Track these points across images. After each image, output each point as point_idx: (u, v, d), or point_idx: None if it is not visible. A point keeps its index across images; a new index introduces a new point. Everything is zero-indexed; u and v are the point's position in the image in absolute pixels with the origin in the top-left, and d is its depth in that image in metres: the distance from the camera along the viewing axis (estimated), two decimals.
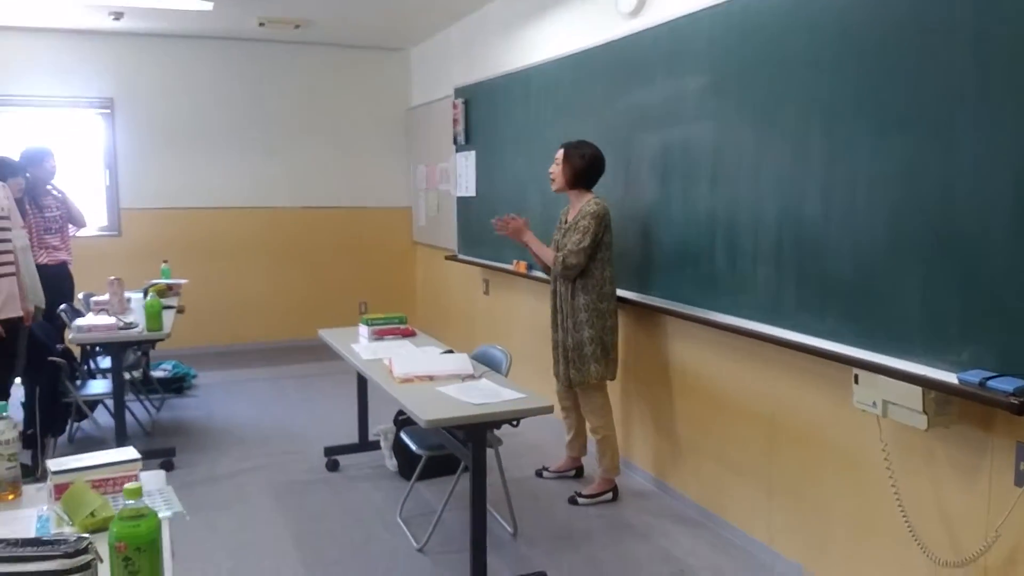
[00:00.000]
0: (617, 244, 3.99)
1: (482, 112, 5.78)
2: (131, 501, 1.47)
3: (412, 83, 7.82)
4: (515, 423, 2.91)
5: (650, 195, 3.85)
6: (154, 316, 4.31)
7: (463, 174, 6.10)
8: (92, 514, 1.80)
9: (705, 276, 3.45)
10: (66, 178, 5.91)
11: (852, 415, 2.77)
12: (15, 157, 5.23)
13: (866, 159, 2.59)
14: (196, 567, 3.31)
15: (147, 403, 5.57)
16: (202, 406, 5.74)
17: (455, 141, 6.14)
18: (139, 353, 5.53)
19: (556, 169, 3.83)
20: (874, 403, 2.50)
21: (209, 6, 5.67)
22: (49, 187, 5.54)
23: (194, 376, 6.39)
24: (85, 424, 4.85)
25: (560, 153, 3.82)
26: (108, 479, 1.98)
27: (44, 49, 6.76)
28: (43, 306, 4.60)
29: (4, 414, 1.97)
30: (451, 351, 3.66)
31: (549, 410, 2.88)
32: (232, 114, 7.34)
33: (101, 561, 1.50)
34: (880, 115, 2.53)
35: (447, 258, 6.45)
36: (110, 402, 4.58)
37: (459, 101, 6.02)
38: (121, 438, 4.31)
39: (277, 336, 7.56)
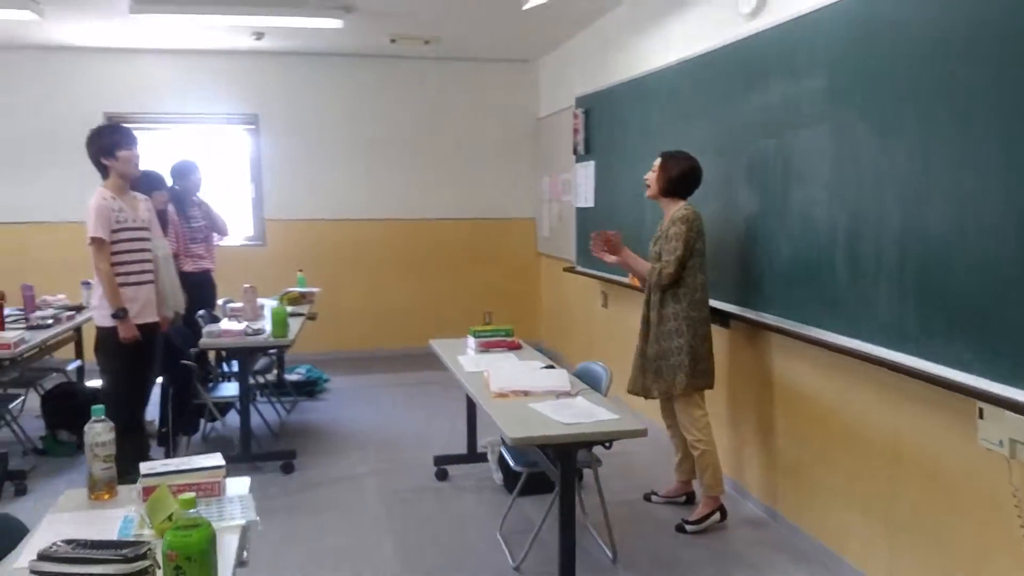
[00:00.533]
0: (725, 255, 3.81)
1: (601, 121, 5.70)
2: (186, 511, 1.51)
3: (540, 94, 7.84)
4: (607, 445, 2.81)
5: (764, 204, 3.65)
6: (279, 323, 4.51)
7: (582, 184, 6.03)
8: (169, 518, 1.87)
9: (821, 294, 3.22)
10: (215, 190, 6.33)
11: (981, 451, 2.49)
12: (167, 171, 5.64)
13: (1000, 168, 2.32)
14: (298, 568, 3.42)
15: (278, 405, 5.85)
16: (330, 410, 5.96)
17: (575, 151, 6.08)
18: (272, 357, 5.81)
19: (652, 176, 3.80)
20: (1000, 442, 2.24)
21: (339, 23, 5.90)
22: (195, 199, 5.91)
23: (326, 380, 6.64)
24: (218, 424, 5.13)
25: (657, 161, 3.76)
26: (192, 484, 2.05)
27: (195, 70, 7.29)
28: (183, 311, 4.92)
29: (101, 417, 2.09)
30: (552, 366, 3.61)
31: (642, 433, 2.77)
32: (365, 128, 7.62)
33: (159, 567, 1.55)
34: (1016, 119, 2.26)
35: (565, 270, 6.40)
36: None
37: (579, 111, 5.97)
38: (246, 439, 4.53)
39: (405, 343, 7.75)
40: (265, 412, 5.64)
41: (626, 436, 2.76)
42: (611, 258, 3.84)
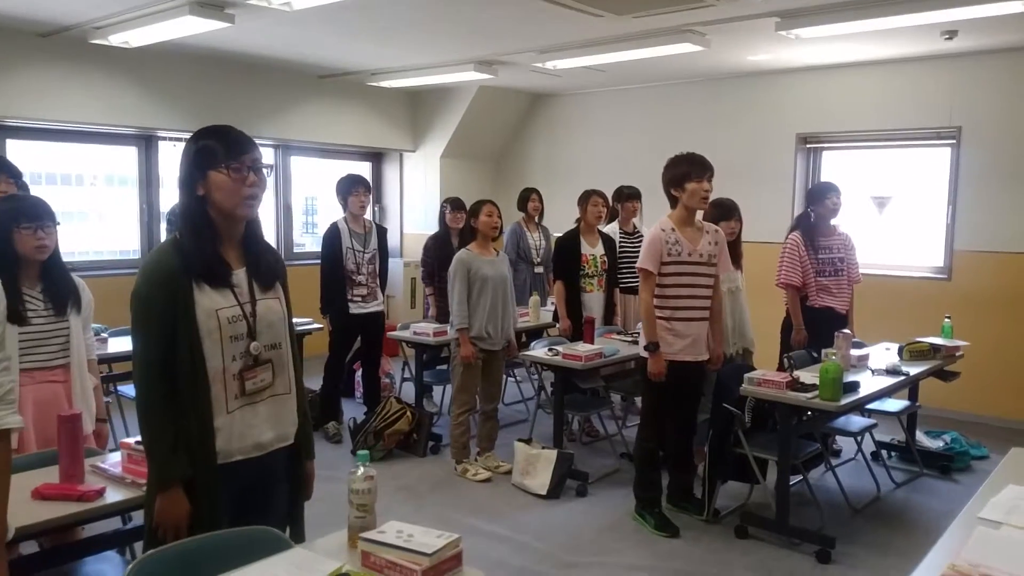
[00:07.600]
0: None
1: None
2: None
3: None
4: None
5: None
6: (827, 383, 3.75)
7: None
8: None
9: None
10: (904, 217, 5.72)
11: None
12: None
13: None
14: None
15: (886, 473, 4.91)
16: (956, 497, 4.59)
17: None
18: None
19: None
20: None
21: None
22: (833, 226, 5.25)
23: (979, 457, 5.27)
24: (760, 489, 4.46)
25: None
26: (395, 564, 1.87)
27: (882, 83, 6.60)
28: (752, 349, 4.54)
29: (365, 464, 2.08)
30: None
31: None
32: None
33: None
34: None
35: None
36: None
37: None
38: (782, 506, 3.95)
39: None
40: (862, 479, 4.80)
41: None
42: None
